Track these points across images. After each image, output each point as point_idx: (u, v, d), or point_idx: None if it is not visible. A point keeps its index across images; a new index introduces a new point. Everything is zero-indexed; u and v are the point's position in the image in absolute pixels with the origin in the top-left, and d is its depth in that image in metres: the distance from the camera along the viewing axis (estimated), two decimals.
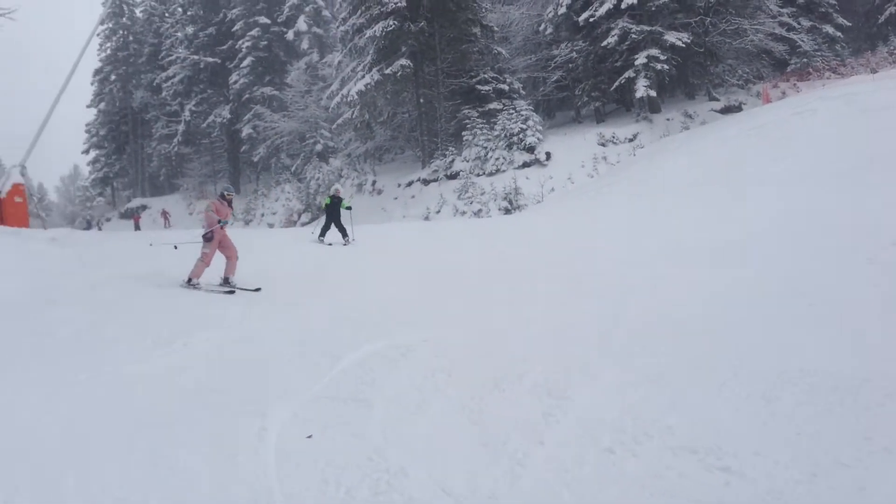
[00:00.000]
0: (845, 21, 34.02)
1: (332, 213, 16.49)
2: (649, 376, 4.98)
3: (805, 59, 32.30)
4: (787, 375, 4.68)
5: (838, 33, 33.67)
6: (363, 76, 32.72)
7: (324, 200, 17.37)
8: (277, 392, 5.29)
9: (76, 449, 4.31)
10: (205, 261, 10.52)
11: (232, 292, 10.14)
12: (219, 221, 10.73)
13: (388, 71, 31.25)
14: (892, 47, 33.18)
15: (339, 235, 16.48)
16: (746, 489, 3.33)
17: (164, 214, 48.13)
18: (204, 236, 10.67)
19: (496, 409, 4.68)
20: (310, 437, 4.41)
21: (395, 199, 32.04)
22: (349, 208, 16.96)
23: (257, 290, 10.21)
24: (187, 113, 56.34)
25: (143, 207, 57.84)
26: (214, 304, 9.07)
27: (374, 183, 35.56)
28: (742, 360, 5.10)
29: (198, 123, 56.65)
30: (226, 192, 11.33)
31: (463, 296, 9.04)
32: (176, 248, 12.34)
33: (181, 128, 57.29)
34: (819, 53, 32.63)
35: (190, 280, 10.38)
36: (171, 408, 5.05)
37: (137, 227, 43.60)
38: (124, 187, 73.19)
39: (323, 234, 16.58)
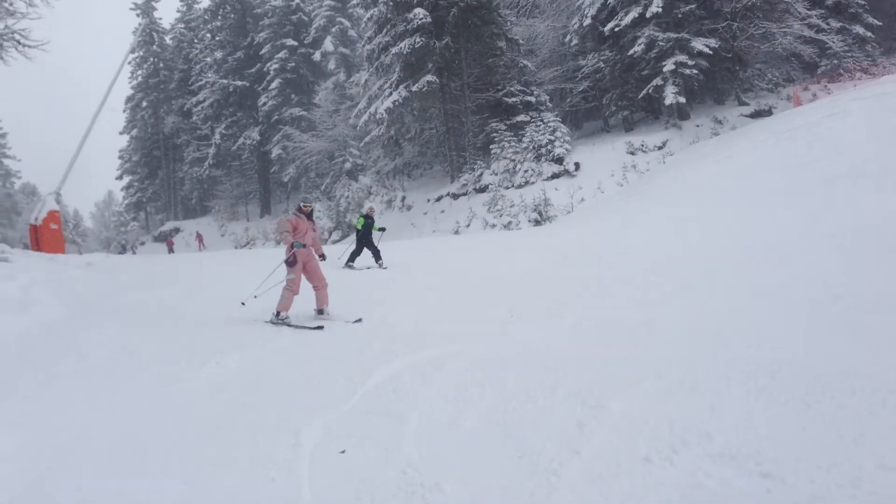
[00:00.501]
0: (875, 21, 33.52)
1: (365, 235, 15.44)
2: (685, 382, 4.87)
3: (835, 61, 31.90)
4: (827, 378, 4.54)
5: (868, 33, 33.17)
6: (390, 93, 32.95)
7: (356, 221, 15.92)
8: (310, 408, 5.26)
9: (112, 469, 4.33)
10: (291, 289, 9.05)
11: (321, 328, 8.56)
12: (293, 245, 9.02)
13: (414, 88, 31.43)
14: None
15: (373, 259, 15.35)
16: (789, 495, 3.21)
17: (199, 237, 48.57)
18: (286, 262, 9.13)
19: (530, 420, 4.60)
20: (343, 452, 4.37)
21: (425, 214, 32.11)
22: (382, 230, 15.98)
23: (358, 321, 8.79)
24: (217, 136, 57.12)
25: (177, 230, 58.66)
26: (248, 323, 9.09)
27: (403, 199, 35.70)
28: (780, 364, 4.98)
29: (228, 146, 57.42)
30: (303, 204, 9.58)
31: (494, 308, 8.97)
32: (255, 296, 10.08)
33: (212, 151, 58.10)
34: (849, 54, 32.19)
35: (278, 314, 8.97)
36: (204, 426, 5.05)
37: (171, 251, 44.16)
38: (157, 211, 74.39)
39: (353, 259, 15.44)
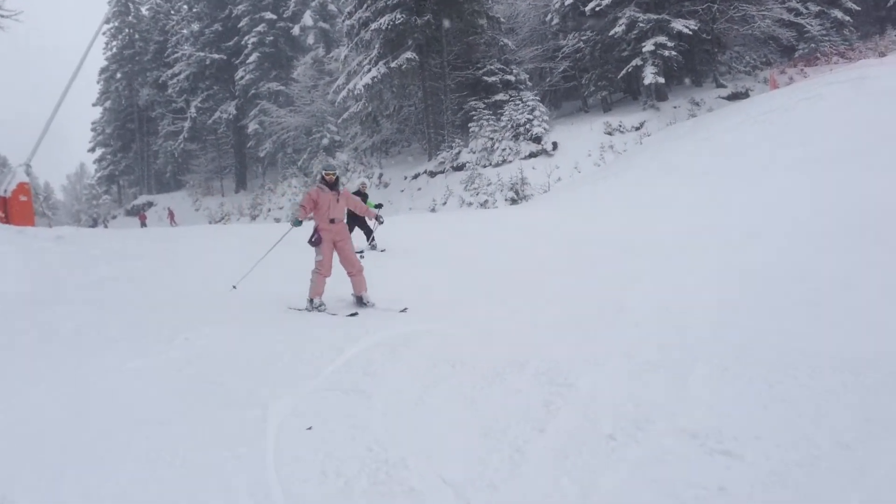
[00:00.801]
0: (854, 5, 33.64)
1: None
2: (652, 362, 4.93)
3: (813, 45, 32.00)
4: (790, 358, 4.62)
5: (847, 17, 33.26)
6: (369, 70, 32.69)
7: None
8: (278, 385, 5.24)
9: (75, 445, 4.26)
10: (320, 271, 8.28)
11: (355, 315, 7.94)
12: (295, 222, 8.46)
13: (393, 64, 31.21)
14: None
15: (364, 239, 13.94)
16: (747, 472, 3.27)
17: (170, 213, 47.31)
18: (310, 242, 8.28)
19: (498, 398, 4.63)
20: (310, 428, 4.36)
21: (402, 191, 32.06)
22: (380, 206, 13.83)
23: (404, 310, 7.96)
24: (193, 110, 56.35)
25: (149, 204, 57.92)
26: (219, 298, 8.99)
27: (380, 176, 35.57)
28: (745, 344, 5.05)
29: (204, 120, 56.67)
30: (325, 172, 8.50)
31: (467, 286, 8.99)
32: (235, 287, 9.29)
33: (187, 124, 57.30)
34: (827, 38, 32.31)
35: (312, 300, 8.30)
36: (170, 402, 5.00)
37: (144, 225, 43.48)
38: (130, 185, 73.45)
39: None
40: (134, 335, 7.12)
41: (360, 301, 8.49)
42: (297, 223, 8.29)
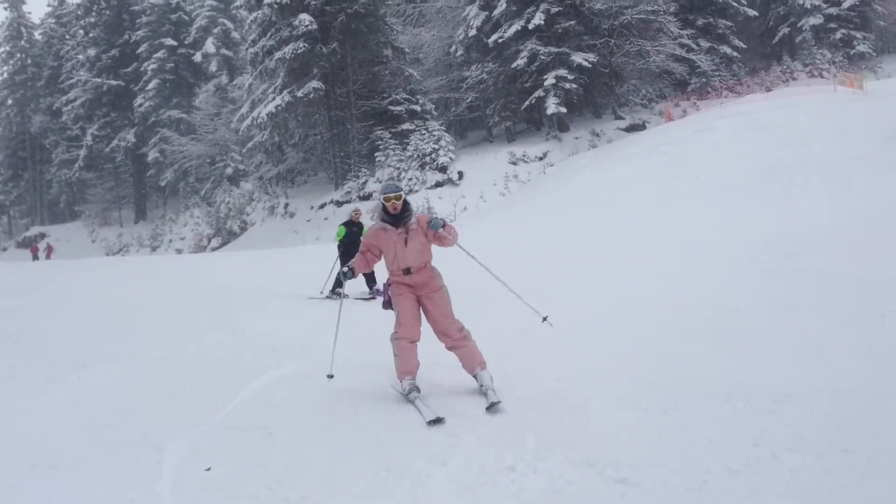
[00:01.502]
0: (741, 43, 35.59)
1: (350, 250, 10.23)
2: (553, 391, 4.99)
3: (704, 79, 33.65)
4: (685, 385, 4.77)
5: (735, 54, 35.20)
6: (274, 98, 32.35)
7: (336, 233, 11.68)
8: (176, 424, 5.03)
9: None
10: (402, 334, 5.40)
11: (439, 421, 4.62)
12: (344, 273, 5.67)
13: (299, 93, 30.99)
14: (784, 67, 34.99)
15: (359, 283, 10.58)
16: (643, 499, 3.34)
17: (49, 249, 43.17)
18: (384, 303, 5.69)
19: (400, 431, 4.58)
20: (208, 469, 4.19)
21: (308, 221, 31.72)
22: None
23: (493, 406, 4.74)
24: (89, 137, 54.30)
25: (42, 236, 55.20)
26: (111, 334, 8.62)
27: (286, 206, 35.13)
28: (642, 371, 5.18)
29: (101, 148, 54.73)
30: (384, 197, 5.36)
31: (371, 318, 8.91)
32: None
33: (83, 153, 55.17)
34: (717, 73, 34.04)
35: (401, 383, 5.33)
36: (61, 446, 4.73)
37: (35, 257, 41.26)
38: (22, 215, 70.17)
39: (340, 283, 9.47)
40: (22, 375, 6.73)
41: (479, 382, 5.18)
42: (347, 275, 5.66)
